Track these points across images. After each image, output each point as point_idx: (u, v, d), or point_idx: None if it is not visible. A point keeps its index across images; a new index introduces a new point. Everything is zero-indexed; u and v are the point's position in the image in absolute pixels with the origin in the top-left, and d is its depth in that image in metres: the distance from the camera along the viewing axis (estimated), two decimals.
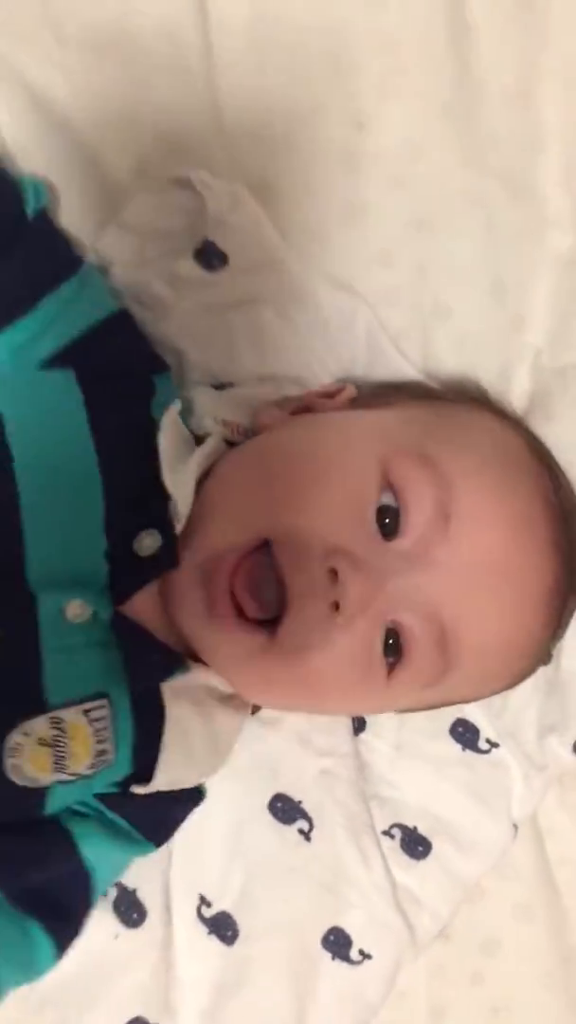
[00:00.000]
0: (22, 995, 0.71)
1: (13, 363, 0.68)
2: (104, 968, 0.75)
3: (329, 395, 0.77)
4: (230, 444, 0.73)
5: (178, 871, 0.79)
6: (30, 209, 0.69)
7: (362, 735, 0.84)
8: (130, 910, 0.77)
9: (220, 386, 0.77)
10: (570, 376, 0.81)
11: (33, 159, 0.74)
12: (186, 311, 0.77)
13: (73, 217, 0.74)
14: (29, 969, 0.67)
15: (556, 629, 0.76)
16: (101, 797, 0.68)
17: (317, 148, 0.76)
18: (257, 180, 0.75)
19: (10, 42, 0.73)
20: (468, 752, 0.85)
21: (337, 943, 0.80)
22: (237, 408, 0.75)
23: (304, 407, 0.75)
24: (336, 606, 0.64)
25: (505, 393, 0.82)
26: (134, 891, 0.77)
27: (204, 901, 0.79)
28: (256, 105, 0.75)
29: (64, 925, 0.68)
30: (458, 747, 0.85)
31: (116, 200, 0.75)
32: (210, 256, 0.77)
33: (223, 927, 0.78)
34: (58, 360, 0.69)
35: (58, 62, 0.72)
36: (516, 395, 0.82)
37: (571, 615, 0.78)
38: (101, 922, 0.76)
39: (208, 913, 0.78)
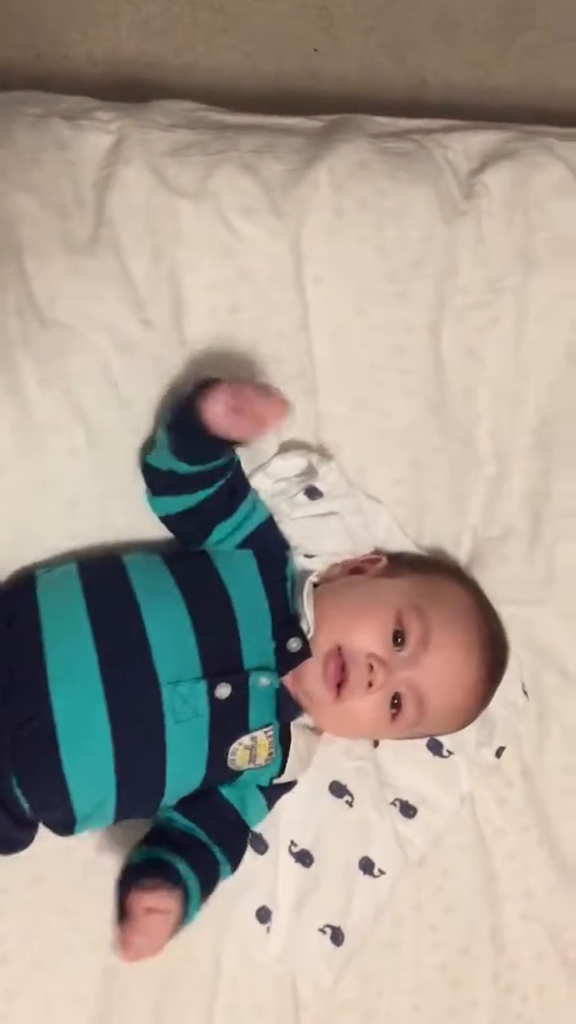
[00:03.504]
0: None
1: (223, 545, 1.18)
2: (248, 874, 1.18)
3: (371, 562, 1.24)
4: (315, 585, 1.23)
5: (280, 823, 1.21)
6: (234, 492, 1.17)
7: (377, 749, 1.28)
8: (259, 844, 1.21)
9: (310, 556, 1.23)
10: (493, 542, 1.37)
11: None
12: (297, 518, 1.24)
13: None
14: (221, 876, 1.15)
15: (484, 700, 1.23)
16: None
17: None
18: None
19: None
20: (436, 757, 1.30)
21: (366, 865, 1.24)
22: (319, 567, 1.25)
23: (357, 568, 1.24)
24: (370, 684, 1.12)
25: (457, 551, 1.36)
26: (260, 834, 1.21)
27: (293, 843, 1.23)
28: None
29: (235, 852, 1.18)
30: (430, 754, 1.30)
31: (260, 459, 1.26)
32: (313, 493, 1.25)
33: (304, 857, 1.22)
34: (244, 544, 1.18)
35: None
36: (463, 552, 1.36)
37: (493, 693, 1.24)
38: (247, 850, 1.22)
39: (295, 849, 1.23)
